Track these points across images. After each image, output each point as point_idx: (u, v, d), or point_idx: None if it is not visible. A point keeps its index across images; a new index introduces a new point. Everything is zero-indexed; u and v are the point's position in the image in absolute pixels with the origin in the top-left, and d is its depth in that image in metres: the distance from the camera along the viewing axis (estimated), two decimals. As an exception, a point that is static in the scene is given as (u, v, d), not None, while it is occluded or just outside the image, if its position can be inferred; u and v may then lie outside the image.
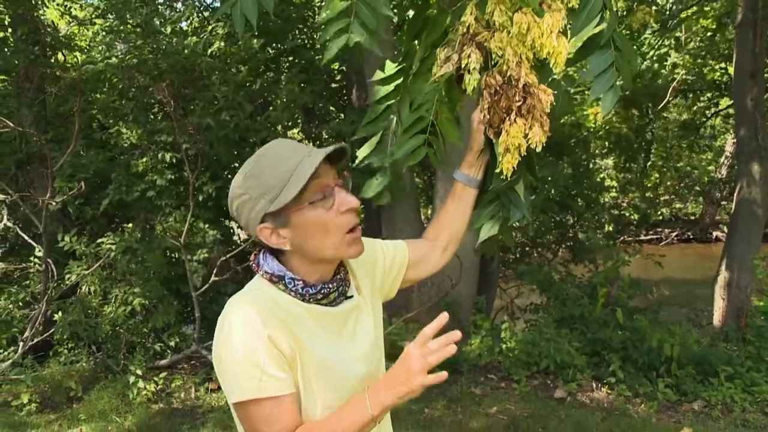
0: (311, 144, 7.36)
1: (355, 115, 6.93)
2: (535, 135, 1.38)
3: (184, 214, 5.97)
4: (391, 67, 1.70)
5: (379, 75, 1.71)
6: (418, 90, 1.63)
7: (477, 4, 1.45)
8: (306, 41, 8.03)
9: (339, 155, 1.40)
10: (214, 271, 5.48)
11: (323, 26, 1.53)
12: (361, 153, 1.66)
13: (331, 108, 8.27)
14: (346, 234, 1.37)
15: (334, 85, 8.34)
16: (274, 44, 7.56)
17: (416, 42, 1.65)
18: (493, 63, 1.46)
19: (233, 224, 8.01)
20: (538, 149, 1.40)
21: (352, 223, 1.37)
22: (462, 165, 1.68)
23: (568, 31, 1.45)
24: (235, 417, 1.40)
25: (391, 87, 1.71)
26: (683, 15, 8.66)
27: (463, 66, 1.45)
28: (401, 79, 1.69)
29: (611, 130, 10.57)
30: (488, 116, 1.44)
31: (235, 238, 7.33)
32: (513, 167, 1.43)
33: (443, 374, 1.30)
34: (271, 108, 7.06)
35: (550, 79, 1.48)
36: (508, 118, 1.40)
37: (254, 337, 1.29)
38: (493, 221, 1.59)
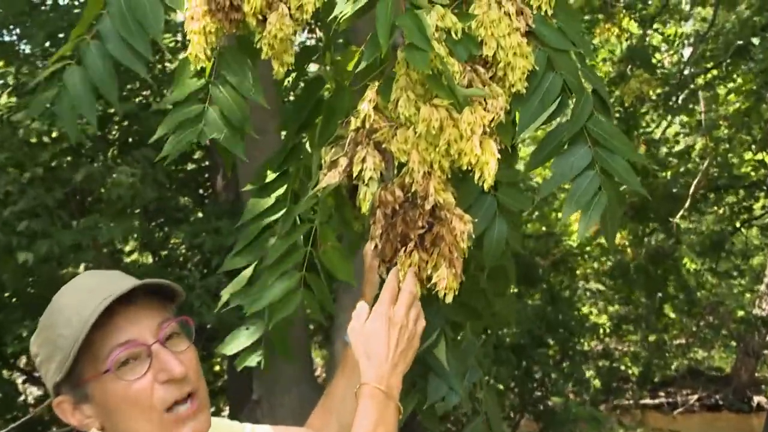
0: (150, 258, 5.75)
1: (220, 211, 4.96)
2: (440, 278, 0.97)
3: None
4: (271, 174, 1.28)
5: (253, 183, 1.29)
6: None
7: (379, 87, 1.06)
8: (152, 99, 5.51)
9: (168, 289, 1.01)
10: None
11: (168, 111, 1.12)
12: (225, 293, 1.22)
13: (185, 200, 5.88)
14: (166, 412, 0.96)
15: (190, 167, 5.95)
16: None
17: (303, 135, 1.25)
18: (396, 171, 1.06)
19: (18, 378, 6.06)
20: (448, 299, 0.98)
21: (172, 399, 0.96)
22: None
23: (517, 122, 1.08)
24: None
25: (271, 200, 1.28)
26: (700, 80, 6.49)
27: (355, 174, 1.04)
28: (285, 189, 1.27)
29: (614, 254, 7.56)
30: (380, 246, 1.02)
31: (22, 398, 5.74)
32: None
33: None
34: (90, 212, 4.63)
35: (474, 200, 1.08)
36: (403, 249, 0.98)
37: None
38: (406, 401, 1.11)
